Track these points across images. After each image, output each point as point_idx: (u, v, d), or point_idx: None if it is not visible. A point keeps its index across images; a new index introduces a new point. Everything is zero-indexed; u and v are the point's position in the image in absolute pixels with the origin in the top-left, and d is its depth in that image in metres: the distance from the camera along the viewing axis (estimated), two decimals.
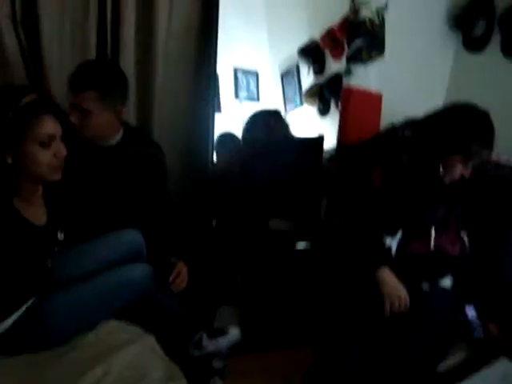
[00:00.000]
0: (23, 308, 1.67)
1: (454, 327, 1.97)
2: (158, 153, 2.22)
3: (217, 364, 2.30)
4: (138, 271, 1.98)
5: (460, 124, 1.86)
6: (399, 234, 1.98)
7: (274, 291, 2.75)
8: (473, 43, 2.98)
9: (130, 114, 2.31)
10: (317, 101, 3.90)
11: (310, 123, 4.04)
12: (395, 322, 1.90)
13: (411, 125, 2.05)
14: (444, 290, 2.05)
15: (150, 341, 1.82)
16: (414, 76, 2.99)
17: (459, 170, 1.89)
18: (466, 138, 1.84)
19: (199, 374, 2.09)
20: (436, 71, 3.16)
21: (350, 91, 2.56)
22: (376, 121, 2.57)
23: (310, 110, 4.08)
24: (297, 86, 4.30)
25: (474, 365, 1.82)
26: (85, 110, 1.94)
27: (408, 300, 1.89)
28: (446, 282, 2.08)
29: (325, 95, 3.80)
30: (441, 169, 1.89)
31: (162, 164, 2.22)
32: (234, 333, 2.30)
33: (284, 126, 2.94)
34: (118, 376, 1.60)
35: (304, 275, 2.68)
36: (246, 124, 2.88)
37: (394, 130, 2.08)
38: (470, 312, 2.00)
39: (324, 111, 3.86)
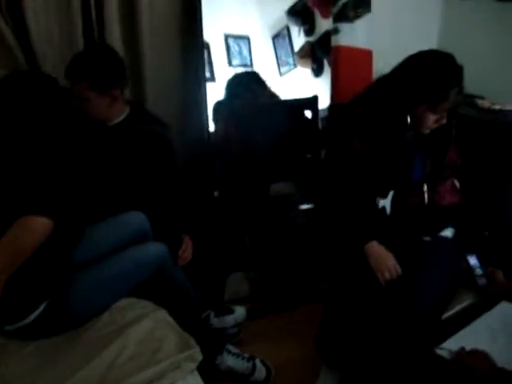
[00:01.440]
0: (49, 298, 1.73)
1: (457, 275, 2.00)
2: (164, 131, 2.25)
3: (230, 330, 2.38)
4: (154, 249, 2.06)
5: (422, 72, 1.82)
6: (391, 194, 2.00)
7: (282, 253, 2.81)
8: None
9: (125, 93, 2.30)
10: (310, 61, 3.85)
11: (305, 84, 4.01)
12: (400, 275, 1.94)
13: (379, 81, 2.02)
14: (445, 239, 2.08)
15: (163, 314, 1.88)
16: (403, 29, 2.96)
17: (431, 118, 1.86)
18: (430, 86, 1.80)
19: (213, 342, 2.15)
20: (426, 21, 3.13)
21: (339, 49, 2.55)
22: (368, 77, 2.56)
23: (304, 71, 4.04)
24: (289, 47, 4.23)
25: (478, 312, 1.85)
26: (82, 99, 2.03)
27: (398, 268, 1.93)
28: (447, 233, 2.10)
29: (317, 55, 3.73)
30: (408, 120, 1.88)
31: (168, 142, 2.24)
32: (240, 312, 2.38)
33: (265, 87, 2.93)
34: (134, 350, 1.67)
35: (309, 235, 2.72)
36: (227, 90, 2.87)
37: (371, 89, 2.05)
38: (473, 261, 2.02)
39: (318, 71, 3.80)
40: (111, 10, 2.21)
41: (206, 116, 2.55)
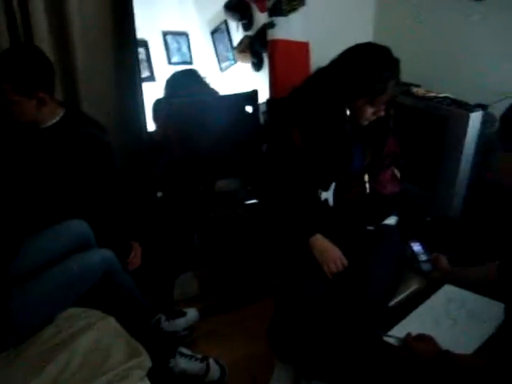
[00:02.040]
0: None
1: (402, 262, 2.03)
2: (103, 135, 2.19)
3: (182, 333, 2.35)
4: (98, 256, 2.01)
5: (359, 66, 1.83)
6: (333, 186, 2.01)
7: (231, 249, 2.80)
8: None
9: (58, 95, 2.23)
10: (249, 56, 3.85)
11: (246, 79, 4.00)
12: (346, 266, 1.96)
13: (317, 74, 2.03)
14: (389, 227, 2.11)
15: (111, 322, 1.84)
16: (339, 20, 2.99)
17: (370, 111, 1.88)
18: (367, 79, 1.81)
19: (164, 346, 2.12)
20: (361, 12, 3.17)
21: (275, 43, 2.55)
22: (306, 69, 2.57)
23: (244, 66, 4.03)
24: (228, 43, 4.23)
25: (425, 296, 1.89)
26: (6, 101, 1.95)
27: (343, 259, 1.95)
28: (391, 221, 2.13)
29: (256, 49, 3.74)
30: (347, 113, 1.89)
31: (107, 145, 2.18)
32: (191, 314, 2.36)
33: (204, 83, 2.92)
34: (80, 363, 1.62)
35: (256, 231, 2.72)
36: (166, 89, 2.85)
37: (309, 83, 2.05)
38: (417, 247, 2.06)
39: (258, 65, 3.81)
40: (36, 8, 2.14)
41: (144, 116, 2.50)
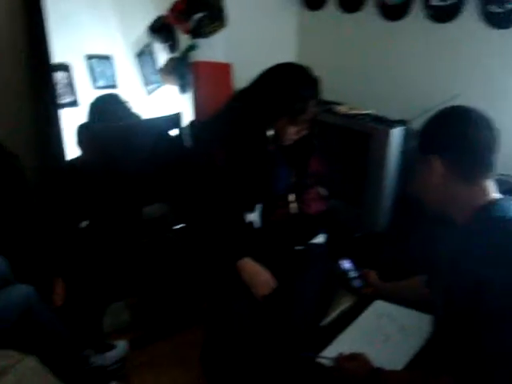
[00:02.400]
0: None
1: (332, 280, 2.03)
2: (16, 163, 2.09)
3: (112, 366, 2.27)
4: (17, 293, 1.92)
5: (279, 85, 1.84)
6: (259, 208, 1.99)
7: (162, 275, 2.73)
8: (312, 1, 3.03)
9: None
10: (175, 78, 3.80)
11: (173, 102, 3.95)
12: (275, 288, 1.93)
13: (238, 95, 2.02)
14: (317, 245, 2.10)
15: (32, 362, 1.71)
16: (261, 41, 3.02)
17: (292, 130, 1.88)
18: (287, 99, 1.82)
19: (94, 382, 2.05)
20: (284, 32, 3.21)
21: (197, 65, 2.55)
22: (228, 91, 2.57)
23: (171, 89, 3.98)
24: (153, 65, 4.15)
25: (358, 313, 1.89)
26: None
27: (272, 282, 1.93)
28: (320, 239, 2.13)
29: (182, 71, 3.69)
30: (270, 133, 1.88)
31: (21, 174, 2.09)
32: (121, 347, 2.30)
33: (127, 107, 2.86)
34: None
35: (187, 255, 2.67)
36: (88, 114, 2.77)
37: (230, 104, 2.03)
38: (346, 264, 2.06)
39: (184, 88, 3.76)
40: None
41: (62, 145, 2.40)
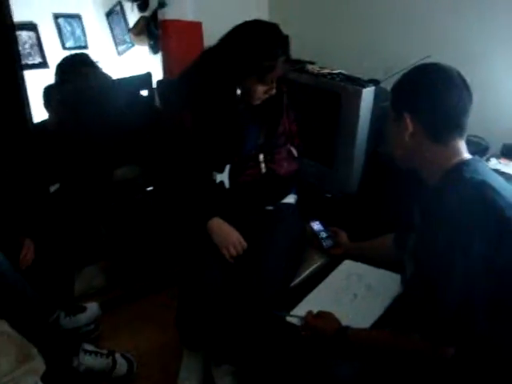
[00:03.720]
0: None
1: (302, 240, 2.04)
2: None
3: (84, 329, 2.27)
4: None
5: (247, 43, 1.80)
6: (227, 168, 1.97)
7: (135, 238, 2.73)
8: None
9: None
10: (146, 38, 3.71)
11: (144, 62, 3.87)
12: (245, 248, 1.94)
13: (205, 54, 1.97)
14: (288, 205, 2.11)
15: (2, 327, 1.71)
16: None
17: (260, 89, 1.86)
18: (255, 57, 1.78)
19: (65, 345, 2.05)
20: None
21: (166, 23, 2.49)
22: (198, 50, 2.48)
23: (142, 49, 3.89)
24: (124, 25, 4.05)
25: (327, 273, 1.90)
26: None
27: (242, 242, 1.93)
28: (290, 199, 2.13)
29: (153, 31, 3.61)
30: (238, 92, 1.86)
31: None
32: (92, 309, 2.29)
33: (96, 68, 2.79)
34: None
35: (157, 217, 2.66)
36: (56, 75, 2.70)
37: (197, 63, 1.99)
38: (316, 226, 2.07)
39: (155, 48, 3.68)
40: None
41: (28, 107, 2.34)
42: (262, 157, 1.99)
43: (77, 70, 2.72)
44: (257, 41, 1.80)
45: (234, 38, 1.85)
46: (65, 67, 2.77)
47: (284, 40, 1.84)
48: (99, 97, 2.55)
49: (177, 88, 2.02)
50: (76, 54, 2.97)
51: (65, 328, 2.18)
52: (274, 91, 1.89)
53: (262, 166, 1.99)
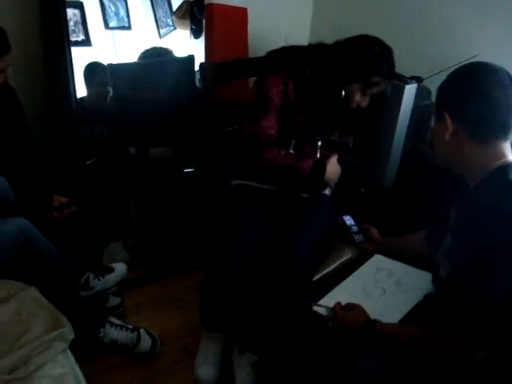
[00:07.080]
0: None
1: (334, 232, 2.04)
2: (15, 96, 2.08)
3: (111, 302, 2.30)
4: (11, 226, 1.92)
5: (367, 54, 1.89)
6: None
7: (167, 218, 2.76)
8: None
9: None
10: (188, 22, 3.73)
11: (185, 46, 3.89)
12: (279, 229, 1.97)
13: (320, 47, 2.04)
14: (323, 196, 2.12)
15: (32, 293, 1.76)
16: None
17: (358, 98, 1.95)
18: (369, 69, 1.89)
19: (94, 315, 2.10)
20: None
21: (212, 7, 2.48)
22: (243, 36, 2.52)
23: (184, 33, 3.91)
24: (167, 8, 4.07)
25: (357, 266, 1.89)
26: None
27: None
28: (325, 191, 2.14)
29: (196, 16, 3.62)
30: (342, 93, 1.94)
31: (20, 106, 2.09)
32: (120, 269, 2.30)
33: None
34: None
35: (192, 199, 2.67)
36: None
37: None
38: (348, 220, 2.07)
39: (197, 32, 3.69)
40: None
41: (73, 82, 2.37)
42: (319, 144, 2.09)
43: None
44: (376, 56, 1.89)
45: (360, 43, 1.94)
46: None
47: (393, 64, 1.95)
48: (142, 75, 2.59)
49: (279, 60, 2.06)
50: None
51: (95, 290, 2.22)
52: (365, 104, 1.98)
53: (318, 154, 2.08)
